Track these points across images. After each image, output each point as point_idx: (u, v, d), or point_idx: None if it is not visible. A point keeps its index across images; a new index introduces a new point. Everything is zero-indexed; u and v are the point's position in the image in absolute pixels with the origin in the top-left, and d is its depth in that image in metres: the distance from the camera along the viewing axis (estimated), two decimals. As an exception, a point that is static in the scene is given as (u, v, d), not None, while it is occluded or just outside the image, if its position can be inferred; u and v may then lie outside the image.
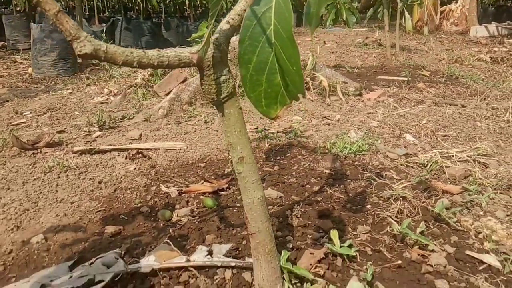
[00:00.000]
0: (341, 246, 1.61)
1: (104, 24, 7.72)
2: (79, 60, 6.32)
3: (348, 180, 2.39)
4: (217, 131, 3.35)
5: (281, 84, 1.07)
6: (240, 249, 1.69)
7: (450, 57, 7.33)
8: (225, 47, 1.24)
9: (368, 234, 1.81)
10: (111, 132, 3.30)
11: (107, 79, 4.73)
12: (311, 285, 1.46)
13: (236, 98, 1.29)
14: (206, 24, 4.85)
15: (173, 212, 2.07)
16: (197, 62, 1.19)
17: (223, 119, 1.29)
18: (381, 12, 6.04)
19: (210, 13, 1.17)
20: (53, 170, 2.56)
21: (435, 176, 2.49)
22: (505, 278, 1.57)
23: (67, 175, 2.51)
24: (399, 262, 1.60)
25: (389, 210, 2.00)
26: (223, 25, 1.24)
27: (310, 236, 1.78)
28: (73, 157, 2.79)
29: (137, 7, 9.12)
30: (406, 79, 5.18)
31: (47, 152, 2.87)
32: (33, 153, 2.85)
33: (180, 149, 2.96)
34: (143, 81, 4.18)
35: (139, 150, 2.80)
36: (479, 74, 6.11)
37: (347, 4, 5.39)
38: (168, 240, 1.77)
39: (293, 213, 1.99)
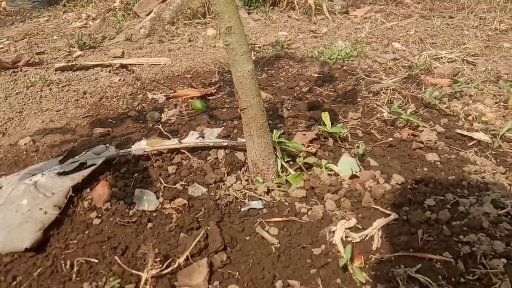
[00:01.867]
0: (332, 127, 1.61)
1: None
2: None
3: (337, 81, 2.36)
4: (201, 48, 3.27)
5: None
6: (231, 136, 1.68)
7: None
8: None
9: (359, 119, 1.81)
10: (92, 51, 3.20)
11: (84, 4, 4.54)
12: (304, 159, 1.46)
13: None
14: None
15: (162, 114, 2.05)
16: None
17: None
18: None
19: None
20: (36, 84, 2.50)
21: (424, 73, 2.48)
22: (494, 152, 1.59)
23: (50, 89, 2.44)
24: (390, 139, 1.61)
25: (379, 100, 1.99)
26: None
27: (301, 125, 1.78)
28: (55, 73, 2.71)
29: None
30: (393, -4, 5.05)
31: (27, 70, 2.79)
32: (14, 72, 2.77)
33: (165, 64, 2.89)
34: (122, 3, 4.02)
35: (123, 65, 2.73)
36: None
37: None
38: (159, 135, 1.76)
39: (284, 106, 1.97)
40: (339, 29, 3.84)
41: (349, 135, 1.64)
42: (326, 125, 1.61)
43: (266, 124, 1.37)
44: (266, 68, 2.73)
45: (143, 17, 3.77)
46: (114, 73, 2.67)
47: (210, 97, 2.27)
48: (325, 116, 1.63)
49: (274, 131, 1.50)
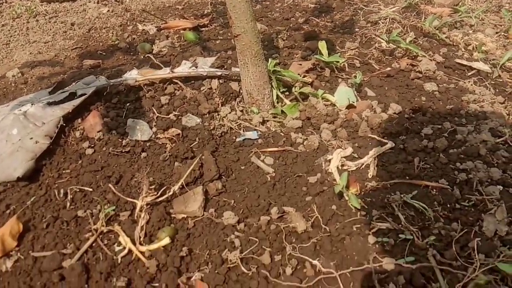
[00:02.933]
0: (329, 56, 1.56)
1: None
2: None
3: (334, 12, 2.28)
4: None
5: None
6: (225, 66, 1.63)
7: None
8: None
9: (357, 49, 1.76)
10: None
11: None
12: (300, 89, 1.43)
13: None
14: None
15: (153, 45, 1.98)
16: None
17: None
18: None
19: None
20: (22, 16, 2.40)
21: (424, 2, 2.39)
22: (493, 82, 1.56)
23: (37, 20, 2.35)
24: (388, 69, 1.58)
25: (378, 30, 1.93)
26: None
27: (297, 55, 1.73)
28: (42, 5, 2.59)
29: None
30: None
31: (13, 1, 2.66)
32: (-3, 4, 2.65)
33: (155, -5, 2.76)
34: None
35: (111, -5, 2.61)
36: None
37: None
38: (151, 66, 1.71)
39: (279, 36, 1.91)
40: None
41: (346, 65, 1.60)
42: (323, 55, 1.57)
43: (261, 52, 1.33)
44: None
45: None
46: (102, 4, 2.56)
47: (203, 29, 2.19)
48: (322, 46, 1.58)
49: (270, 59, 1.45)
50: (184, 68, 1.51)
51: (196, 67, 1.52)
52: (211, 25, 2.23)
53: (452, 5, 2.37)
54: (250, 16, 1.27)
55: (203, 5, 2.55)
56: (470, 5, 2.31)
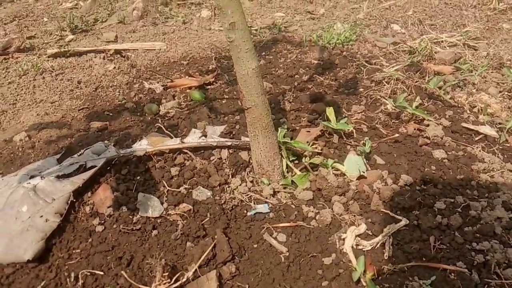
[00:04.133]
0: (336, 123, 1.57)
1: None
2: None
3: (337, 69, 2.32)
4: (196, 31, 3.19)
5: None
6: (234, 133, 1.64)
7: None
8: None
9: (363, 113, 1.77)
10: (85, 35, 3.11)
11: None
12: (309, 159, 1.43)
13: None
14: None
15: (160, 106, 1.99)
16: None
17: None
18: None
19: None
20: (28, 73, 2.42)
21: (425, 59, 2.43)
22: (501, 147, 1.57)
23: (44, 77, 2.37)
24: (396, 135, 1.58)
25: (382, 91, 1.95)
26: None
27: (304, 119, 1.74)
28: (48, 60, 2.63)
29: None
30: (390, -27, 4.95)
31: (19, 57, 2.70)
32: (5, 59, 2.68)
33: (160, 49, 2.81)
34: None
35: (117, 51, 2.65)
36: None
37: None
38: (158, 131, 1.71)
39: (285, 99, 1.93)
40: (336, 8, 3.76)
41: (354, 130, 1.60)
42: (330, 121, 1.58)
43: (271, 124, 1.34)
44: (264, 53, 2.67)
45: (136, -2, 3.65)
46: (108, 59, 2.60)
47: (209, 87, 2.21)
48: (330, 112, 1.59)
49: (279, 129, 1.46)
50: (194, 138, 1.51)
51: (206, 136, 1.53)
52: (217, 83, 2.26)
53: (454, 61, 2.41)
54: (261, 90, 1.29)
55: (207, 60, 2.59)
56: (471, 60, 2.36)
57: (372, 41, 2.74)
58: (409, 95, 1.92)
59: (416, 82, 2.01)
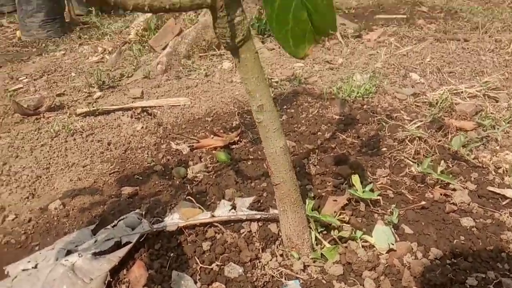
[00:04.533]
0: (363, 191, 1.60)
1: (88, -20, 7.38)
2: (68, 20, 6.11)
3: (359, 124, 2.36)
4: (219, 83, 3.28)
5: (308, 21, 1.01)
6: (261, 201, 1.68)
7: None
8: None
9: (388, 177, 1.80)
10: (112, 91, 3.23)
11: (100, 36, 4.58)
12: (338, 232, 1.46)
13: (252, 42, 1.22)
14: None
15: (187, 168, 2.05)
16: (211, 2, 1.12)
17: (239, 65, 1.22)
18: None
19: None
20: (60, 134, 2.52)
21: (446, 113, 2.46)
22: (528, 211, 1.58)
23: (74, 139, 2.46)
24: (423, 203, 1.60)
25: (406, 151, 1.98)
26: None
27: (330, 183, 1.77)
28: (78, 119, 2.73)
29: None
30: (405, 16, 5.05)
31: (50, 116, 2.81)
32: (36, 119, 2.79)
33: (184, 105, 2.90)
34: (137, 36, 4.05)
35: (144, 108, 2.74)
36: (477, 6, 5.98)
37: None
38: (188, 198, 1.76)
39: (310, 162, 1.97)
40: (354, 55, 3.83)
41: (380, 198, 1.63)
42: (356, 189, 1.61)
43: (299, 199, 1.37)
44: (285, 107, 2.73)
45: (159, 51, 3.79)
46: (136, 118, 2.69)
47: (234, 146, 2.27)
48: (355, 180, 1.62)
49: (307, 201, 1.49)
50: (224, 211, 1.55)
51: (235, 208, 1.57)
52: (241, 141, 2.31)
53: (475, 113, 2.44)
54: (289, 167, 1.33)
55: (231, 116, 2.66)
56: (492, 113, 2.38)
57: (392, 93, 2.78)
58: (433, 155, 1.94)
59: (439, 141, 2.03)
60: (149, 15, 4.20)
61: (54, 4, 5.46)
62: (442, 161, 1.78)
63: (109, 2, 0.94)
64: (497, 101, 2.61)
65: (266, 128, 1.30)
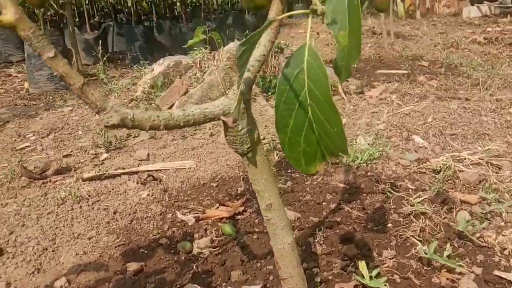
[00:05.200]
0: (370, 278, 1.60)
1: (96, 31, 7.62)
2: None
3: (364, 194, 2.38)
4: (223, 144, 3.32)
5: (320, 144, 1.05)
6: (268, 285, 1.68)
7: (445, 42, 7.32)
8: (248, 96, 1.22)
9: (394, 259, 1.80)
10: (118, 153, 3.27)
11: (107, 93, 4.67)
12: (346, 324, 1.45)
13: (262, 146, 1.27)
14: (202, 30, 4.79)
15: (193, 243, 2.06)
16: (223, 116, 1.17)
17: (249, 167, 1.27)
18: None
19: (238, 76, 1.14)
20: (66, 201, 2.54)
21: (450, 182, 2.48)
22: (536, 299, 1.57)
23: (81, 206, 2.48)
24: (430, 290, 1.60)
25: (411, 229, 1.99)
26: (245, 73, 1.21)
27: (336, 265, 1.77)
28: (84, 184, 2.76)
29: (127, 10, 9.01)
30: (406, 72, 5.16)
31: (56, 180, 2.85)
32: (43, 183, 2.82)
33: (190, 168, 2.93)
34: (144, 94, 4.14)
35: (150, 174, 2.77)
36: (477, 58, 6.11)
37: None
38: (193, 277, 1.76)
39: (316, 240, 1.98)
40: (356, 112, 3.90)
41: (387, 285, 1.63)
42: (363, 275, 1.61)
43: (306, 292, 1.37)
44: (289, 171, 2.76)
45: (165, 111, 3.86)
46: (141, 183, 2.71)
47: (239, 217, 2.28)
48: (362, 266, 1.63)
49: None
50: (231, 300, 1.55)
51: (242, 297, 1.57)
52: (246, 211, 2.33)
53: (478, 182, 2.46)
54: (296, 262, 1.34)
55: (236, 181, 2.69)
56: (495, 183, 2.40)
57: (396, 159, 2.82)
58: (438, 233, 1.95)
59: (444, 218, 2.05)
60: (156, 72, 4.30)
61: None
62: (448, 245, 1.78)
63: (127, 125, 0.98)
64: (500, 169, 2.63)
65: (274, 226, 1.32)
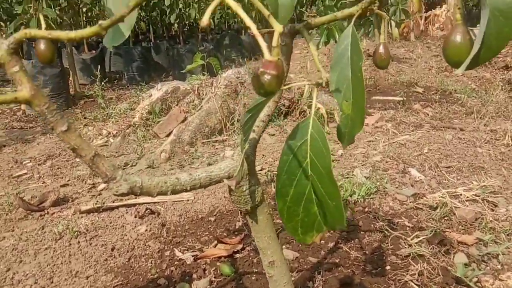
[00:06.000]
0: (370, 327, 1.61)
1: (94, 51, 7.66)
2: (72, 91, 6.27)
3: (362, 233, 2.39)
4: (221, 174, 3.33)
5: (318, 214, 1.07)
6: (268, 333, 1.68)
7: (439, 66, 7.44)
8: (252, 157, 1.24)
9: (393, 306, 1.81)
10: (116, 183, 3.26)
11: (105, 118, 4.69)
12: None
13: (266, 204, 1.29)
14: (200, 56, 4.84)
15: (191, 284, 2.06)
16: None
17: (252, 225, 1.29)
18: (372, 32, 6.06)
19: (242, 138, 1.17)
20: (64, 236, 2.53)
21: (446, 219, 2.51)
22: None
23: (78, 241, 2.47)
24: None
25: (409, 272, 2.00)
26: (251, 134, 1.23)
27: (335, 311, 1.78)
28: (81, 217, 2.76)
29: (124, 29, 9.04)
30: (402, 99, 5.22)
31: (54, 212, 2.84)
32: (41, 215, 2.82)
33: (188, 200, 2.94)
34: (141, 120, 4.15)
35: (147, 207, 2.78)
36: (470, 83, 6.22)
37: (338, 25, 5.40)
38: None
39: (315, 285, 1.98)
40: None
41: (386, 334, 1.64)
42: (363, 324, 1.62)
43: None
44: (287, 205, 2.77)
45: (163, 138, 3.87)
46: (139, 217, 2.71)
47: (237, 255, 2.29)
48: (362, 316, 1.64)
49: None
50: None
51: None
52: (244, 249, 2.33)
53: (474, 219, 2.49)
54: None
55: (234, 215, 2.70)
56: (491, 221, 2.43)
57: (393, 194, 2.84)
58: (436, 277, 1.97)
59: (442, 261, 2.06)
60: (154, 98, 4.33)
61: (60, 80, 5.63)
62: (446, 292, 1.80)
63: (136, 193, 0.99)
64: (495, 206, 2.66)
65: (276, 282, 1.33)
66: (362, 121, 1.08)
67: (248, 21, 0.65)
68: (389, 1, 6.41)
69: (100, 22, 0.77)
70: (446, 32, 11.16)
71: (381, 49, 1.15)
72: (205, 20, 0.63)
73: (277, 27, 0.72)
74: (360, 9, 1.06)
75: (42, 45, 1.13)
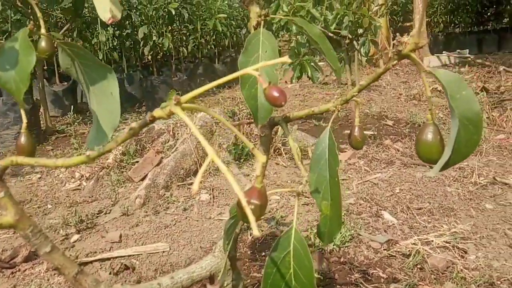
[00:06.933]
0: None
1: (66, 83, 7.58)
2: (43, 126, 6.18)
3: (338, 287, 2.42)
4: (197, 221, 3.34)
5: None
6: None
7: (408, 93, 7.66)
8: (234, 253, 1.26)
9: None
10: (89, 233, 3.22)
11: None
12: None
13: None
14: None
15: None
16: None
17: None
18: (342, 68, 6.20)
19: (225, 242, 1.19)
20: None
21: (419, 267, 2.57)
22: None
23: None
24: None
25: (385, 333, 2.04)
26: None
27: None
28: (54, 274, 2.70)
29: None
30: (373, 133, 5.33)
31: (26, 269, 2.77)
32: (12, 273, 2.75)
33: (163, 252, 2.92)
34: (115, 161, 4.12)
35: (122, 262, 2.75)
36: (438, 113, 6.40)
37: (311, 61, 5.52)
38: None
39: None
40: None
41: None
42: None
43: None
44: (264, 255, 2.79)
45: (138, 182, 3.85)
46: (114, 274, 2.68)
47: (215, 314, 2.28)
48: None
49: None
50: None
51: None
52: (222, 307, 2.33)
53: (446, 268, 2.56)
54: None
55: (210, 267, 2.69)
56: (461, 270, 2.50)
57: (367, 241, 2.89)
58: (411, 337, 2.01)
59: (416, 320, 2.11)
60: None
61: (32, 116, 5.54)
62: None
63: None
64: (465, 252, 2.73)
65: None
66: (340, 222, 1.12)
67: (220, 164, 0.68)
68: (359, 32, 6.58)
69: (88, 152, 0.79)
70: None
71: (356, 132, 1.20)
72: (195, 187, 0.65)
73: (261, 158, 0.75)
74: (335, 106, 1.11)
75: (22, 139, 1.13)
